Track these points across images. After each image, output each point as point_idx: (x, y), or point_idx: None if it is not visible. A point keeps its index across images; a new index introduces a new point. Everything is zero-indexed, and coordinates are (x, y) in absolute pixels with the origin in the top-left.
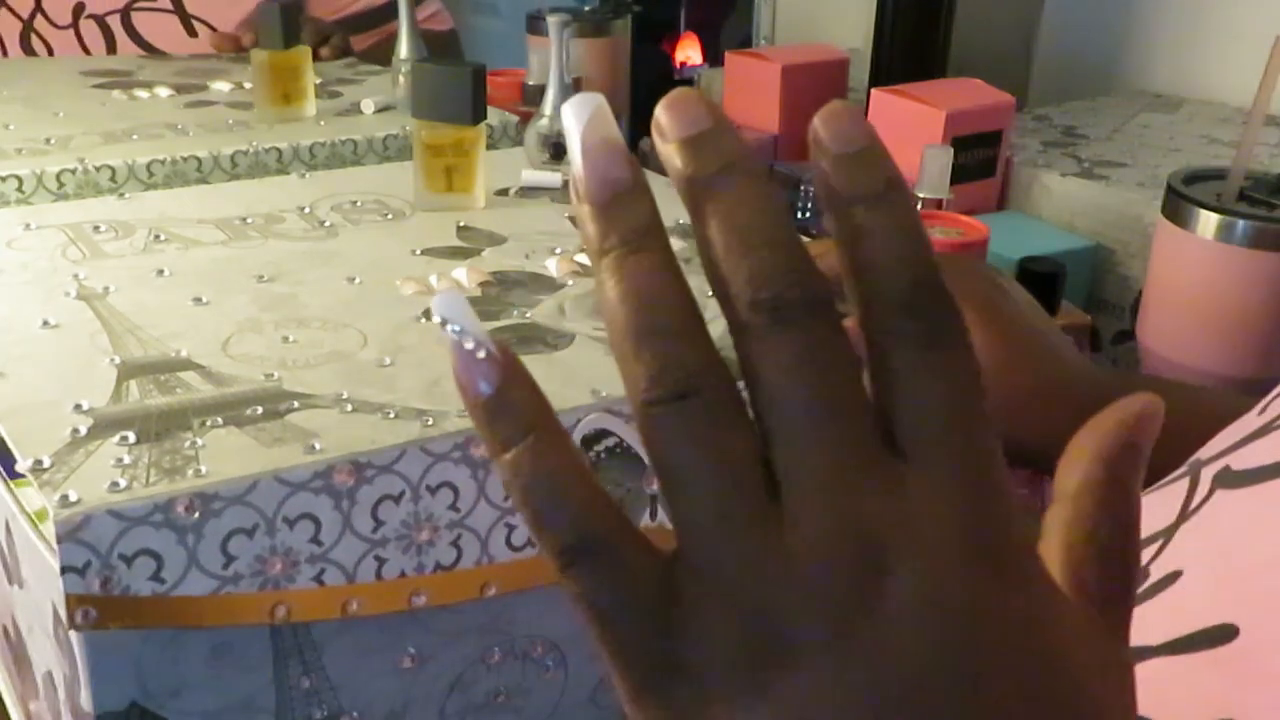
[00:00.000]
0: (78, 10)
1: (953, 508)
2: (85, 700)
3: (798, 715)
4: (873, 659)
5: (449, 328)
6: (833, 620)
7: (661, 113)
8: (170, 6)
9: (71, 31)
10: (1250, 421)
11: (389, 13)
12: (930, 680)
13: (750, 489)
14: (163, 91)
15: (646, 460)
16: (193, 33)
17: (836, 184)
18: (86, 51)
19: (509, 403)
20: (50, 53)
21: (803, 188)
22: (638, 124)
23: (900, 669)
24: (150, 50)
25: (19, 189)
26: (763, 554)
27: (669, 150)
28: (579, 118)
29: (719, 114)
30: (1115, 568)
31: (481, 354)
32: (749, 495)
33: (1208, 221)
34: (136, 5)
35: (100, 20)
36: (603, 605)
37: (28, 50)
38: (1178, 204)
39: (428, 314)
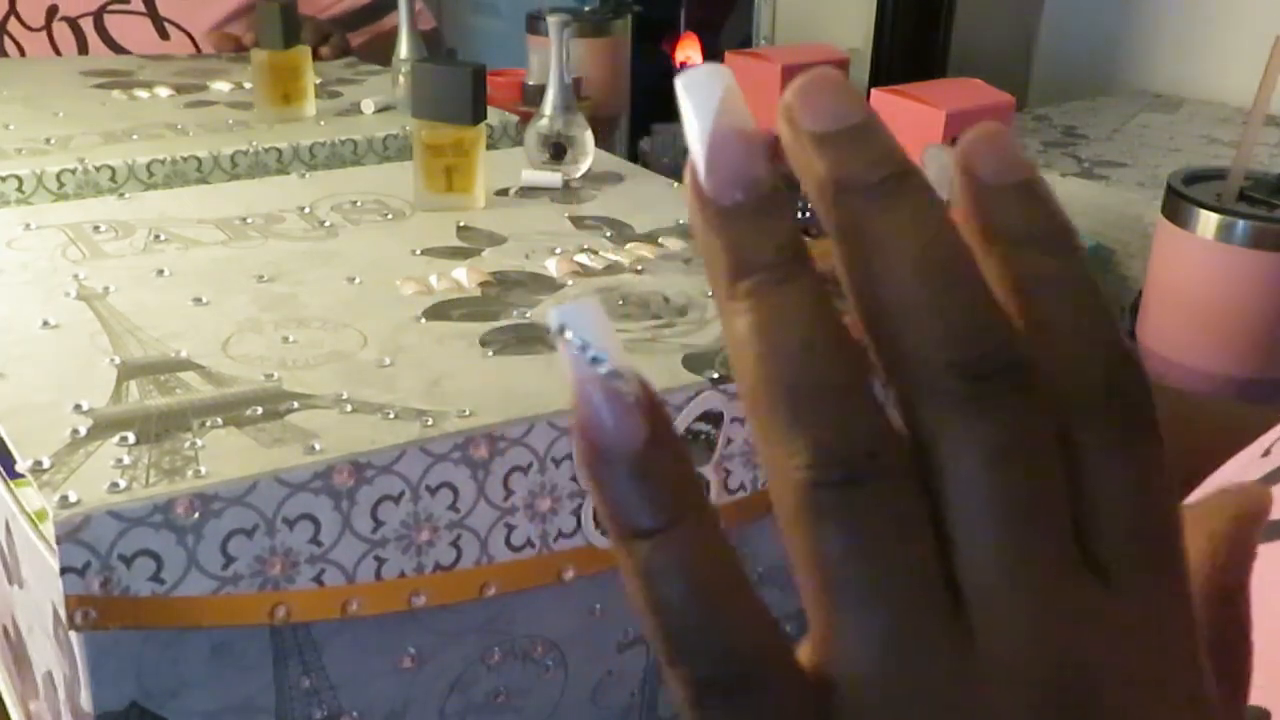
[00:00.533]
0: (51, 12)
1: (1164, 644)
2: (85, 700)
3: None
4: None
5: (571, 341)
6: None
7: (797, 96)
8: (143, 9)
9: (44, 34)
10: (1254, 463)
11: (377, 11)
12: None
13: (934, 604)
14: (163, 91)
15: (789, 551)
16: (165, 35)
17: (1002, 220)
18: (58, 53)
19: (652, 471)
20: (22, 54)
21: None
22: (638, 126)
23: None
24: (121, 53)
25: (19, 189)
26: (949, 686)
27: (803, 144)
28: (704, 100)
29: (870, 107)
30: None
31: (623, 387)
32: (932, 612)
33: (1208, 221)
34: (110, 8)
35: (73, 22)
36: None
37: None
38: (1178, 204)
39: (428, 314)
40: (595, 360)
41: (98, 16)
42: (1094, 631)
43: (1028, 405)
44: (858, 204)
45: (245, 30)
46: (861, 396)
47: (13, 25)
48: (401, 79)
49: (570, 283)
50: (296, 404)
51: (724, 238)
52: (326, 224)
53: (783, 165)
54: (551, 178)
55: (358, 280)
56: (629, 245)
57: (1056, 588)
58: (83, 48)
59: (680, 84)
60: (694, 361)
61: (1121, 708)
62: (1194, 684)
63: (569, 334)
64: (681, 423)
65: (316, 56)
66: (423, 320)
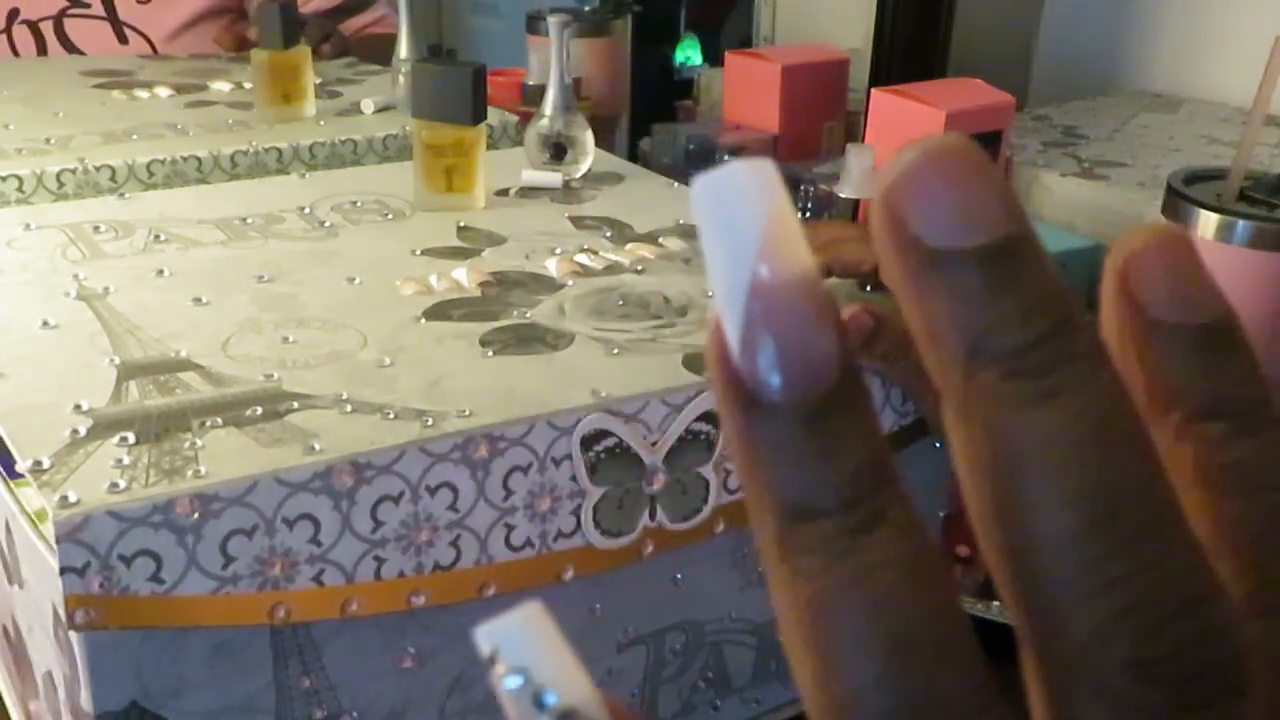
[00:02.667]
0: (11, 15)
1: None
2: (85, 700)
3: None
4: None
5: (506, 675)
6: None
7: (910, 180)
8: (103, 14)
9: (4, 37)
10: None
11: (353, 7)
12: None
13: None
14: (163, 91)
15: None
16: (124, 40)
17: (1183, 379)
18: (16, 55)
19: None
20: None
21: (802, 187)
22: (638, 126)
23: None
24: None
25: (19, 189)
26: None
27: (910, 260)
28: (739, 226)
29: (1017, 200)
30: None
31: None
32: None
33: (1208, 221)
34: (70, 12)
35: (33, 25)
36: None
37: None
38: (1178, 204)
39: (428, 314)
40: (539, 700)
41: (57, 20)
42: None
43: (1248, 718)
44: (1000, 383)
45: (223, 35)
46: (988, 715)
47: None
48: (401, 79)
49: (570, 283)
50: (296, 404)
51: (770, 453)
52: (326, 224)
53: (783, 168)
54: (551, 178)
55: (358, 280)
56: (629, 245)
57: None
58: (41, 51)
59: (699, 192)
60: (694, 362)
61: None
62: None
63: (500, 665)
64: (681, 423)
65: (317, 54)
66: (423, 320)
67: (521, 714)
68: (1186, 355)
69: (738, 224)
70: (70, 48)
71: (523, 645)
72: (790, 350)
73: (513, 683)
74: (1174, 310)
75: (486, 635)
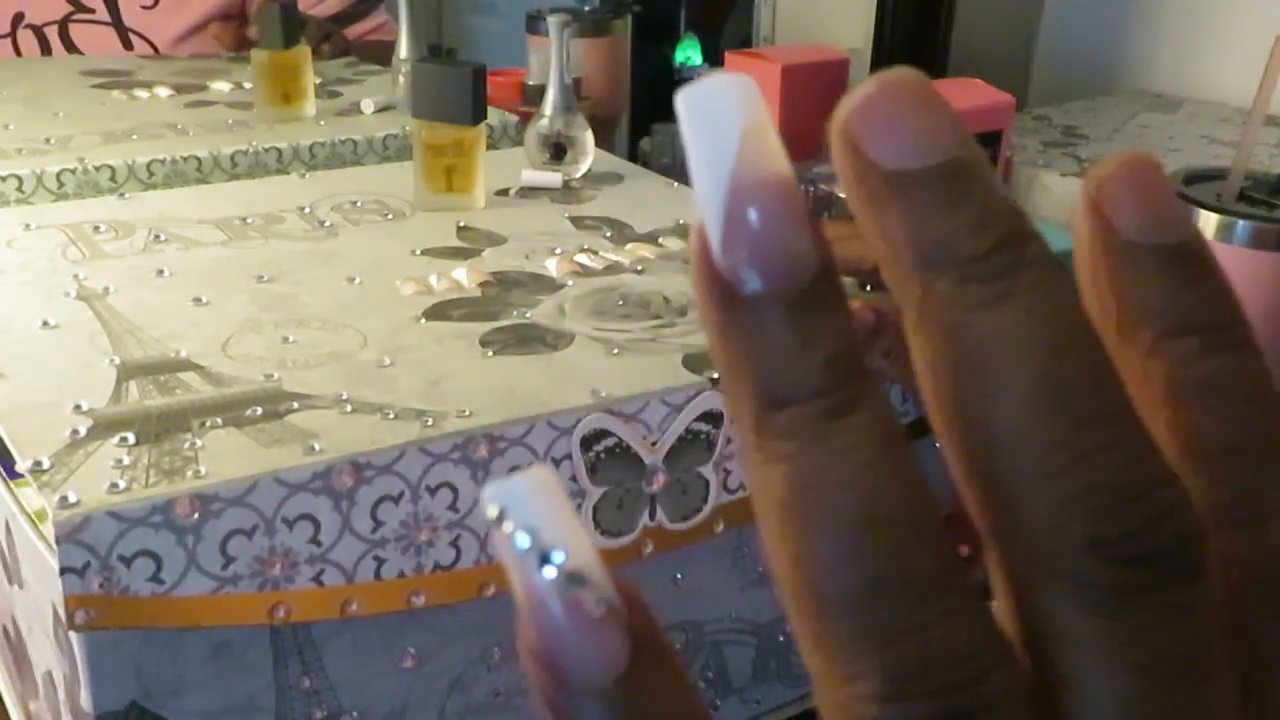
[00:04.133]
0: (16, 20)
1: None
2: (85, 700)
3: None
4: None
5: (513, 533)
6: None
7: (864, 110)
8: (108, 19)
9: (9, 41)
10: None
11: (355, 14)
12: None
13: None
14: (163, 91)
15: None
16: (129, 46)
17: (1152, 298)
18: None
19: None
20: None
21: (802, 187)
22: (638, 126)
23: None
24: None
25: (19, 189)
26: None
27: (868, 184)
28: (718, 130)
29: (964, 127)
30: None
31: (588, 596)
32: None
33: (1208, 221)
34: (74, 17)
35: (38, 30)
36: None
37: None
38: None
39: (427, 314)
40: (545, 559)
41: (62, 26)
42: None
43: (1201, 600)
44: (955, 288)
45: (223, 33)
46: (963, 597)
47: None
48: (401, 79)
49: (570, 283)
50: (296, 404)
51: (748, 345)
52: (326, 224)
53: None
54: (551, 178)
55: (358, 280)
56: (629, 245)
57: None
58: (47, 56)
59: (683, 102)
60: (694, 361)
61: None
62: None
63: (508, 523)
64: (681, 423)
65: (317, 54)
66: (423, 320)
67: (527, 574)
68: (1157, 275)
69: (719, 129)
70: (75, 53)
71: (531, 505)
72: (769, 245)
73: (521, 541)
74: (1145, 231)
75: (494, 494)
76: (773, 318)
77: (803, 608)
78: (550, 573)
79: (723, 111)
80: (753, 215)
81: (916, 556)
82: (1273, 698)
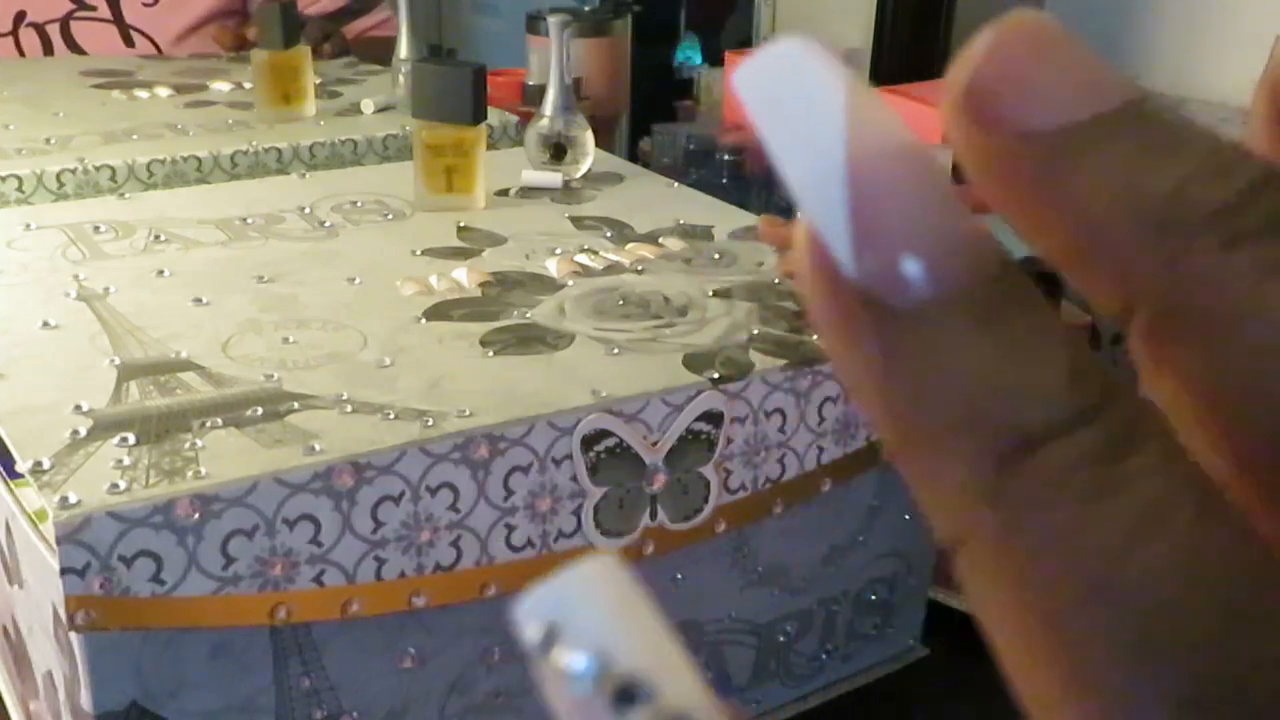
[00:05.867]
0: (19, 18)
1: None
2: (85, 700)
3: None
4: None
5: (572, 666)
6: None
7: (1002, 55)
8: (110, 16)
9: (11, 39)
10: None
11: (356, 10)
12: None
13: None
14: (163, 91)
15: None
16: (130, 43)
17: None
18: (23, 57)
19: None
20: None
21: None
22: (638, 126)
23: None
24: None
25: (19, 189)
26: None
27: (1046, 143)
28: (811, 105)
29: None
30: None
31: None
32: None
33: None
34: (76, 15)
35: (40, 29)
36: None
37: None
38: None
39: (428, 314)
40: (626, 697)
41: (64, 23)
42: None
43: None
44: (1224, 254)
45: (222, 34)
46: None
47: None
48: (401, 79)
49: (570, 283)
50: (297, 404)
51: (932, 370)
52: (326, 224)
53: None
54: (551, 178)
55: (358, 281)
56: (629, 245)
57: None
58: (48, 54)
59: (748, 83)
60: (694, 361)
61: None
62: None
63: (565, 649)
64: (682, 423)
65: (317, 54)
66: (423, 320)
67: (589, 715)
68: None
69: (810, 104)
70: (77, 50)
71: (590, 610)
72: (926, 231)
73: (584, 675)
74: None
75: (537, 605)
76: (967, 322)
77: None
78: (636, 713)
79: (808, 81)
80: (893, 199)
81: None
82: None
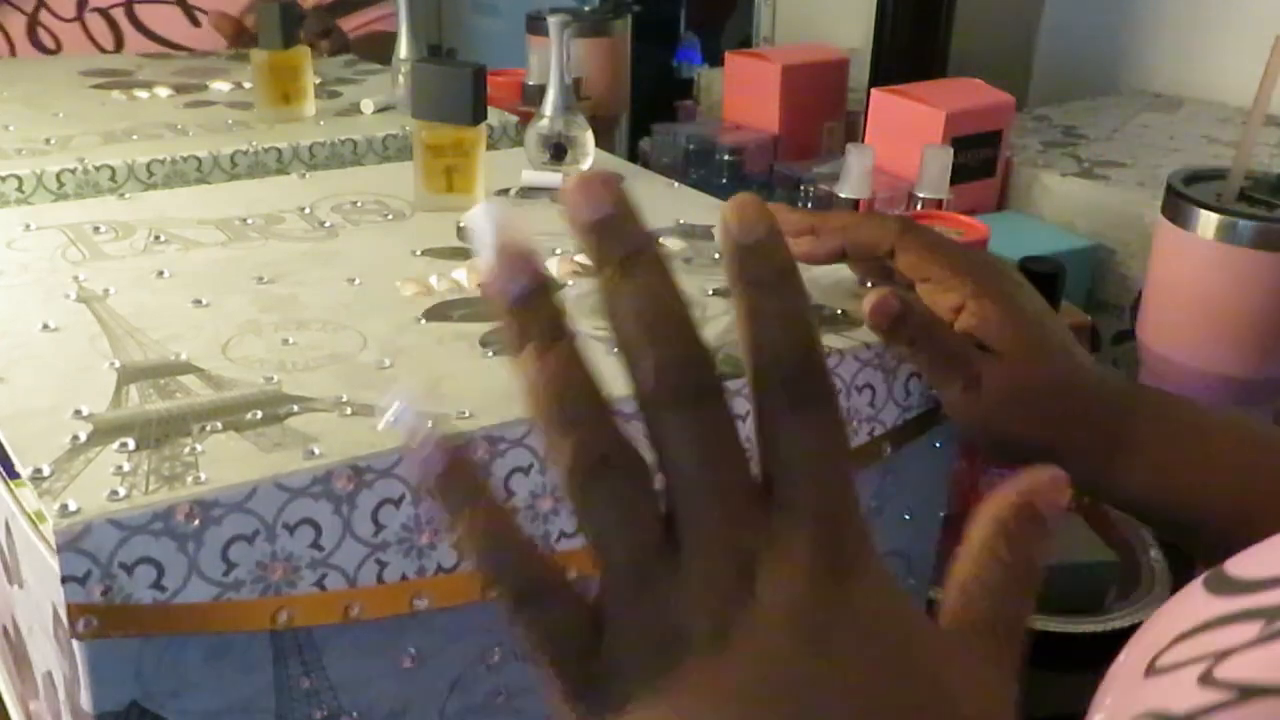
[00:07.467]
0: (82, 4)
1: (806, 533)
2: (85, 700)
3: (692, 695)
4: (746, 647)
5: (394, 417)
6: (714, 617)
7: (570, 193)
8: None
9: (78, 24)
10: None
11: (355, 1)
12: (793, 666)
13: (653, 533)
14: (163, 91)
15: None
16: (196, 23)
17: (737, 268)
18: (94, 42)
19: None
20: (59, 46)
21: (802, 187)
22: (638, 126)
23: (768, 658)
24: (156, 40)
25: (19, 189)
26: (664, 577)
27: (577, 231)
28: (487, 228)
29: (624, 196)
30: (1005, 606)
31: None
32: (653, 537)
33: (1208, 221)
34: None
35: (105, 13)
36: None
37: (36, 45)
38: (1178, 204)
39: (428, 315)
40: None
41: (129, 7)
42: (760, 533)
43: (708, 408)
44: (610, 274)
45: (247, 15)
46: (602, 421)
47: (45, 17)
48: (401, 79)
49: (570, 283)
50: (296, 407)
51: (512, 318)
52: (326, 224)
53: (782, 168)
54: (552, 178)
55: (358, 281)
56: None
57: (733, 508)
58: (118, 37)
59: (467, 222)
60: None
61: (778, 579)
62: (844, 562)
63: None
64: None
65: (316, 50)
66: (423, 321)
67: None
68: (746, 256)
69: (487, 226)
70: (145, 32)
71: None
72: (515, 271)
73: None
74: (741, 235)
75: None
76: (521, 304)
77: (543, 432)
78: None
79: (487, 219)
80: (508, 261)
81: (583, 405)
82: (777, 430)
